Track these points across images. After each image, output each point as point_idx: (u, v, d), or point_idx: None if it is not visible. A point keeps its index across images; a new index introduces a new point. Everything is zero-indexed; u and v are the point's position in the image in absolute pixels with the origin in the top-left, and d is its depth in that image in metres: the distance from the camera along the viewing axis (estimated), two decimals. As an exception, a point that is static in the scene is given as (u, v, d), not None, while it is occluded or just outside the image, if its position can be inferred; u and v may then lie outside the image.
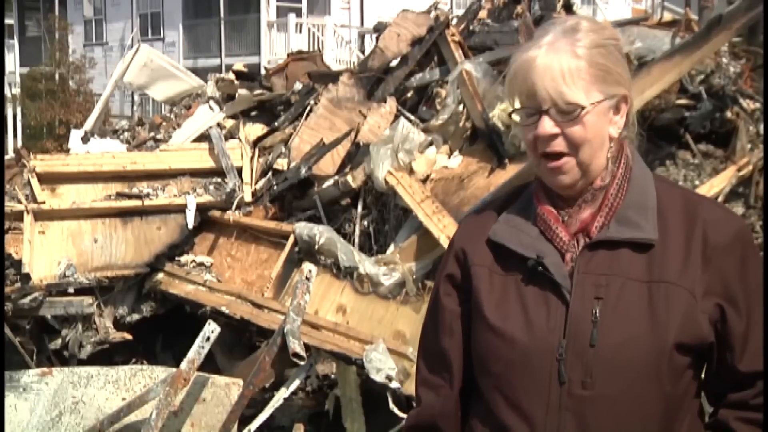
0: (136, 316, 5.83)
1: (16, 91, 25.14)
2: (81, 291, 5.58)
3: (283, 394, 4.53)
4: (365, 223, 5.72)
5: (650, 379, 1.50)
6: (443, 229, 4.86)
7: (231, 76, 8.14)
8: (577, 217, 1.59)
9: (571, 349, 1.51)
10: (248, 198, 6.10)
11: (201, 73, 11.81)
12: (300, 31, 21.91)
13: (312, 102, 6.53)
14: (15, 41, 28.80)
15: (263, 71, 9.51)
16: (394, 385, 4.31)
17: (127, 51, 13.06)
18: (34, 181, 5.82)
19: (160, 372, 4.27)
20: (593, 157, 1.54)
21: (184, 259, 5.96)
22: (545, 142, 1.53)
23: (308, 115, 6.43)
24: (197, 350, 3.98)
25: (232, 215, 5.99)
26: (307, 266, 4.39)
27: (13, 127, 24.50)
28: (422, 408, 1.74)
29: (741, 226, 1.59)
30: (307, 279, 4.27)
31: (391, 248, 5.29)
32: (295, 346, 4.00)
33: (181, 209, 5.96)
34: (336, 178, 5.86)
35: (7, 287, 5.35)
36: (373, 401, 4.62)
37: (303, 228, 5.40)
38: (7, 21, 27.64)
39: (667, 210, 1.57)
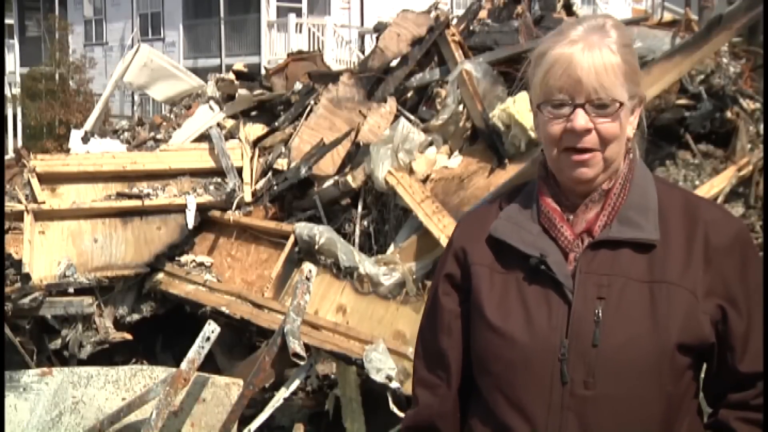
0: (136, 316, 5.82)
1: (16, 91, 25.14)
2: (81, 291, 5.57)
3: (283, 394, 4.52)
4: (365, 223, 5.72)
5: (652, 379, 1.50)
6: (443, 229, 4.86)
7: (231, 76, 8.13)
8: (583, 217, 1.59)
9: (574, 349, 1.51)
10: (248, 198, 6.09)
11: (201, 73, 11.79)
12: (300, 31, 21.90)
13: (312, 102, 6.53)
14: (15, 41, 28.81)
15: (263, 71, 9.49)
16: (394, 385, 4.31)
17: (127, 51, 13.04)
18: (34, 181, 5.81)
19: (160, 372, 4.27)
20: (618, 154, 1.55)
21: (184, 259, 5.96)
22: (578, 137, 1.52)
23: (308, 115, 6.43)
24: (197, 350, 3.98)
25: (232, 215, 5.99)
26: (307, 266, 4.38)
27: (13, 127, 24.51)
28: (420, 408, 1.73)
29: (740, 227, 1.60)
30: (307, 279, 4.27)
31: (391, 248, 5.29)
32: (295, 346, 4.00)
33: (181, 209, 5.95)
34: (336, 178, 5.85)
35: (7, 287, 5.34)
36: (373, 401, 4.62)
37: (303, 228, 5.40)
38: (7, 21, 27.65)
39: (668, 211, 1.57)
